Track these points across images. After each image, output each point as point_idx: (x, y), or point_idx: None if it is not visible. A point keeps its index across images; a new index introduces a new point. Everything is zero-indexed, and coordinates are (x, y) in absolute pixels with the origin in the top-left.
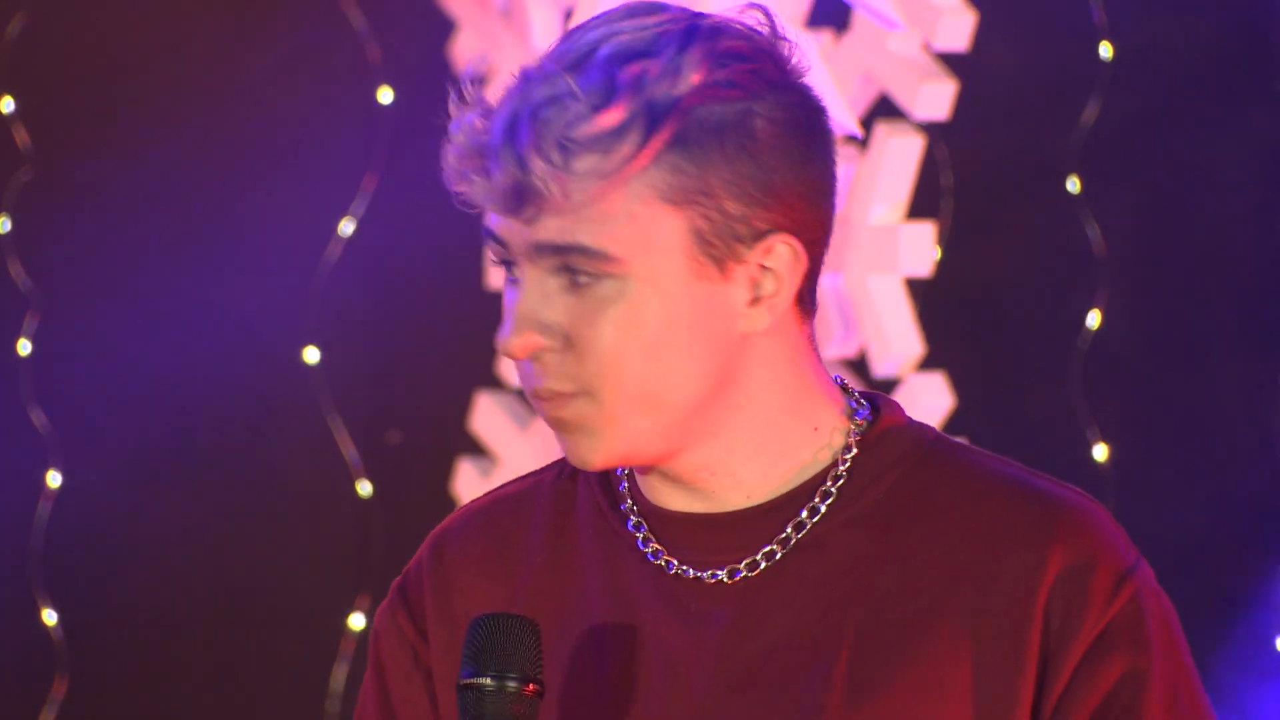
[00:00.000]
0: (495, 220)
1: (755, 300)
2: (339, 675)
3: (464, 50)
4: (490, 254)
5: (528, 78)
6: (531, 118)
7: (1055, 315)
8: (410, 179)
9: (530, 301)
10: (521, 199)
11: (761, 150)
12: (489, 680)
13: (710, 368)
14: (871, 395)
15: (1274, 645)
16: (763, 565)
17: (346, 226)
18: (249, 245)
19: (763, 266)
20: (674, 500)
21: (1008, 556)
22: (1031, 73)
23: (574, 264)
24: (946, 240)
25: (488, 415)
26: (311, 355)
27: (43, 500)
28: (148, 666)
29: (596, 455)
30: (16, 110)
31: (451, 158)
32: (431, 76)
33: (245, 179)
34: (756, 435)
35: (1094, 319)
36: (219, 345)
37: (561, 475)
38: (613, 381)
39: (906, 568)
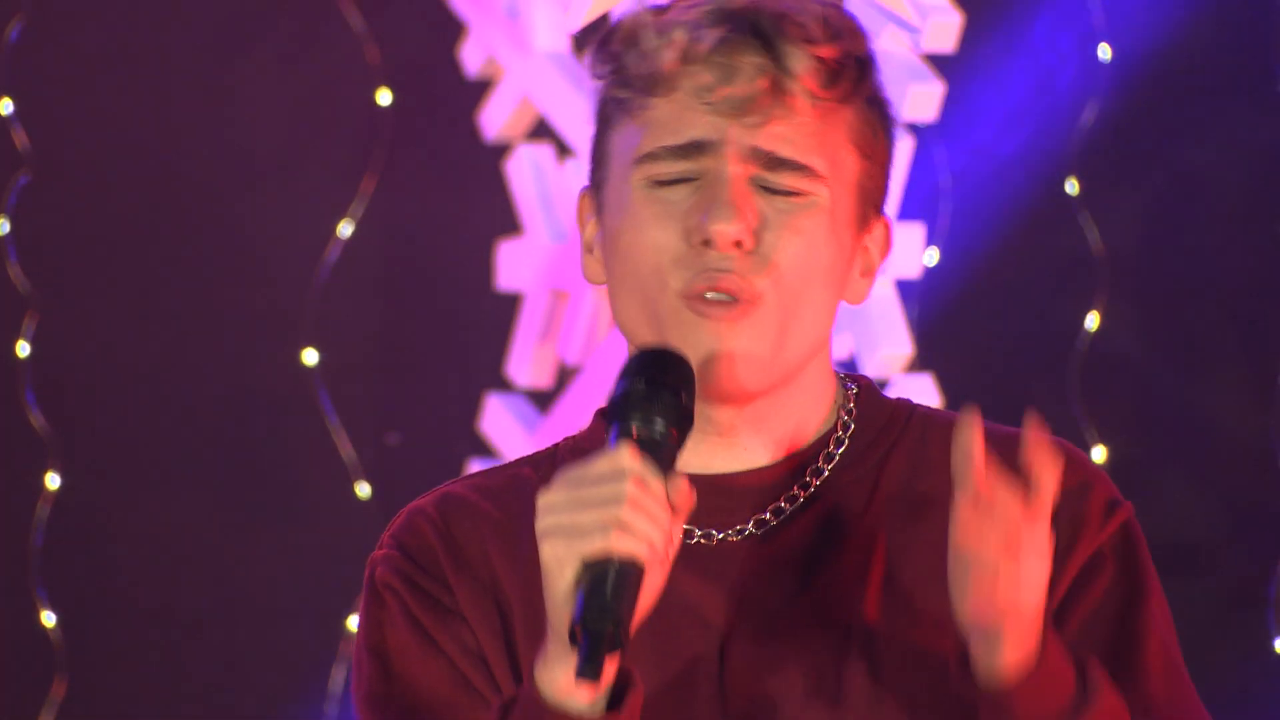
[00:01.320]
0: (703, 126)
1: (863, 272)
2: (338, 676)
3: (471, 52)
4: (656, 169)
5: None
6: (781, 22)
7: (1054, 316)
8: (409, 180)
9: (739, 194)
10: (768, 103)
11: (892, 135)
12: (645, 384)
13: (831, 314)
14: (851, 374)
15: (1273, 647)
16: (773, 522)
17: (345, 228)
18: (248, 247)
19: (867, 247)
20: (694, 463)
21: None
22: (1030, 75)
23: (780, 178)
24: (945, 242)
25: (496, 417)
26: (310, 357)
27: (42, 502)
28: (146, 667)
29: (755, 377)
30: (15, 113)
31: (666, 50)
32: (430, 79)
33: (244, 180)
34: (805, 397)
35: (1093, 320)
36: (218, 347)
37: (556, 462)
38: (789, 288)
39: (918, 517)
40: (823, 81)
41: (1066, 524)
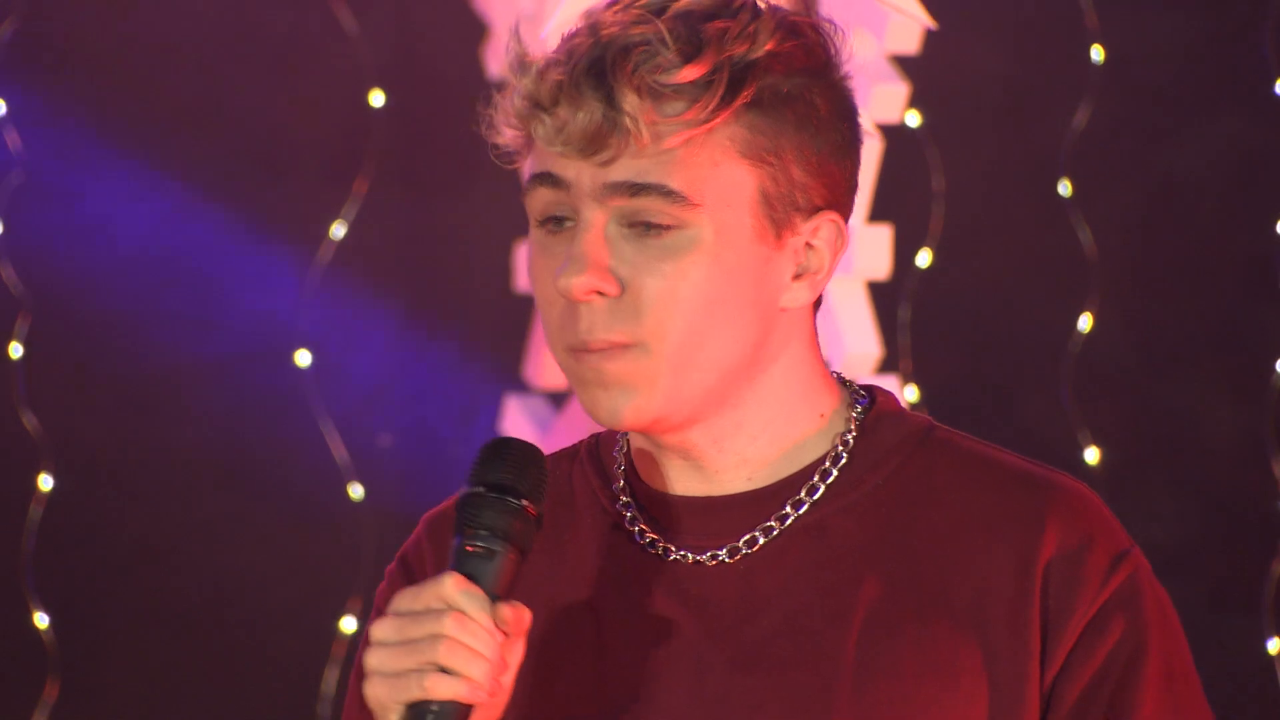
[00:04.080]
0: (557, 164)
1: (799, 275)
2: (330, 678)
3: (497, 53)
4: (536, 207)
5: (602, 24)
6: (622, 57)
7: (1046, 318)
8: (402, 181)
9: (593, 242)
10: (604, 138)
11: (821, 126)
12: (483, 489)
13: (751, 335)
14: (868, 386)
15: (1266, 649)
16: (761, 542)
17: (338, 230)
18: (241, 248)
19: (808, 244)
20: (675, 483)
21: (1005, 538)
22: (1023, 76)
23: (647, 208)
24: (938, 243)
25: (515, 418)
26: (303, 358)
27: (34, 503)
28: (139, 669)
29: (630, 413)
30: (8, 113)
31: (517, 98)
32: (423, 80)
33: (237, 181)
34: (767, 414)
35: (1085, 322)
36: (211, 348)
37: (575, 461)
38: (668, 333)
39: (907, 554)
40: (676, 108)
41: (1063, 587)
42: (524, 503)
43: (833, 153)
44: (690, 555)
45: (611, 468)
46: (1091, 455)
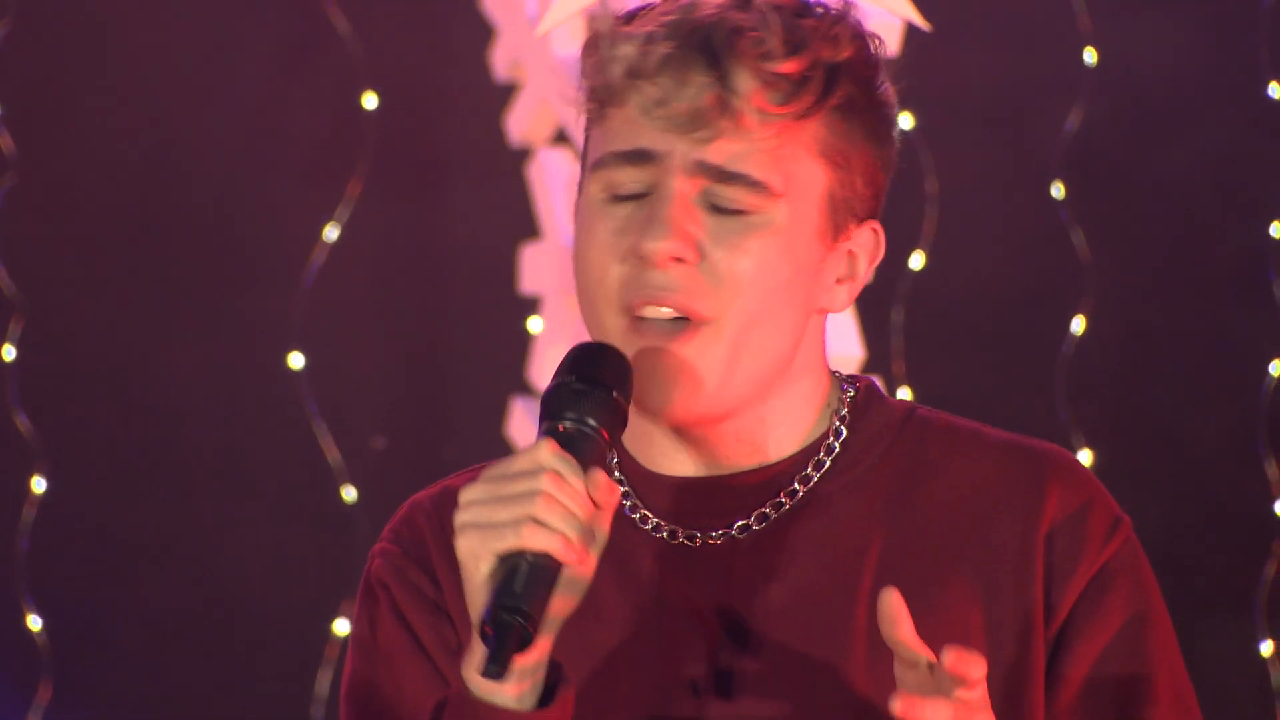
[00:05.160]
0: (650, 137)
1: (840, 280)
2: (324, 680)
3: (505, 55)
4: (611, 181)
5: (697, 5)
6: (735, 37)
7: (1039, 320)
8: (394, 184)
9: (680, 210)
10: (710, 116)
11: (883, 139)
12: (573, 379)
13: (798, 329)
14: (852, 375)
15: (1259, 651)
16: (765, 521)
17: (331, 232)
18: (234, 250)
19: (851, 251)
20: (679, 465)
21: (1007, 503)
22: (1016, 79)
23: (732, 192)
24: (931, 246)
25: (521, 420)
26: (296, 360)
27: (27, 506)
28: (132, 671)
29: (680, 405)
30: (1, 116)
31: (614, 66)
32: (416, 82)
33: (230, 184)
34: (788, 408)
35: (1078, 324)
36: (204, 350)
37: None
38: (741, 309)
39: (910, 525)
40: (777, 98)
41: (1067, 546)
42: (614, 393)
43: (885, 165)
44: (699, 537)
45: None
46: (1085, 457)
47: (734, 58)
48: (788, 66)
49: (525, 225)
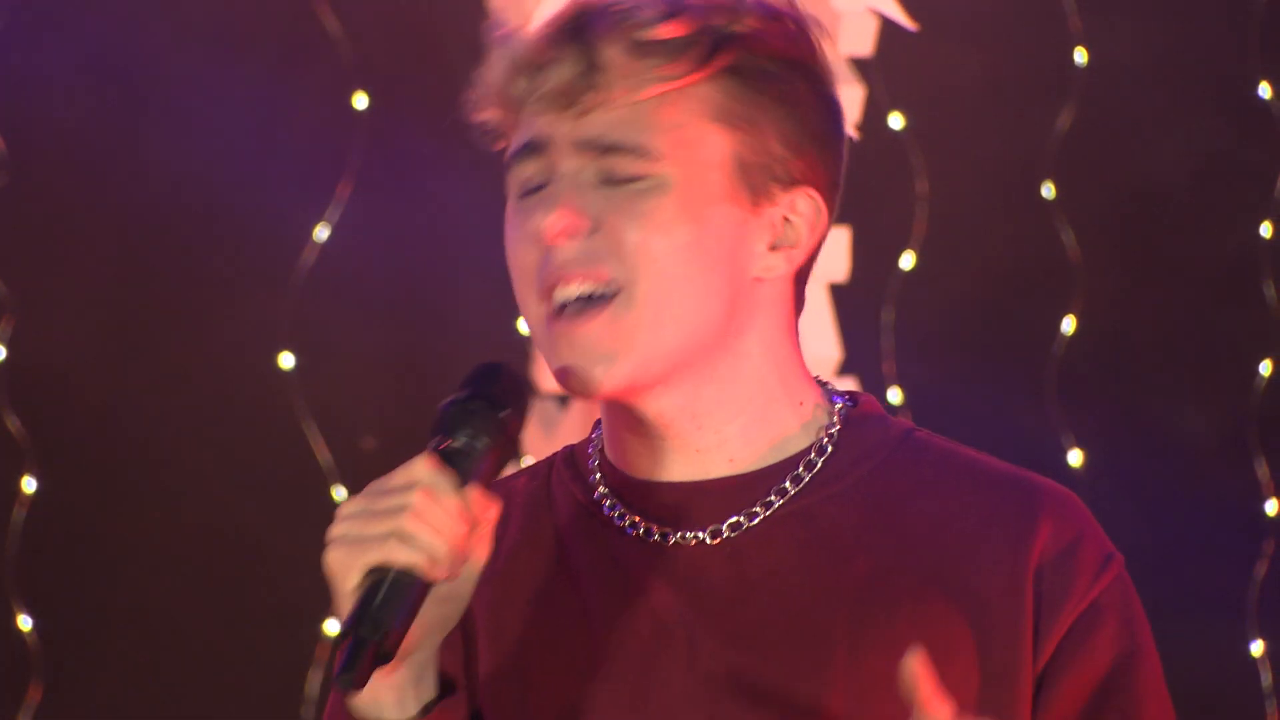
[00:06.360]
0: (535, 126)
1: (775, 247)
2: (314, 681)
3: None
4: (518, 181)
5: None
6: (602, 15)
7: (1030, 320)
8: (385, 184)
9: (567, 187)
10: (580, 92)
11: (802, 109)
12: (464, 396)
13: (725, 296)
14: (851, 391)
15: (1248, 651)
16: (745, 526)
17: (321, 232)
18: (224, 251)
19: (786, 219)
20: (655, 468)
21: (998, 532)
22: (1006, 78)
23: (617, 163)
24: (921, 245)
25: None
26: (286, 361)
27: (18, 506)
28: (123, 673)
29: (603, 377)
30: None
31: (499, 64)
32: (406, 81)
33: (220, 184)
34: (744, 391)
35: (1069, 325)
36: (194, 351)
37: (534, 477)
38: (645, 274)
39: (895, 542)
40: (648, 65)
41: (1056, 580)
42: (504, 411)
43: (814, 138)
44: (671, 536)
45: (586, 464)
46: (1075, 457)
47: (601, 32)
48: (660, 32)
49: None
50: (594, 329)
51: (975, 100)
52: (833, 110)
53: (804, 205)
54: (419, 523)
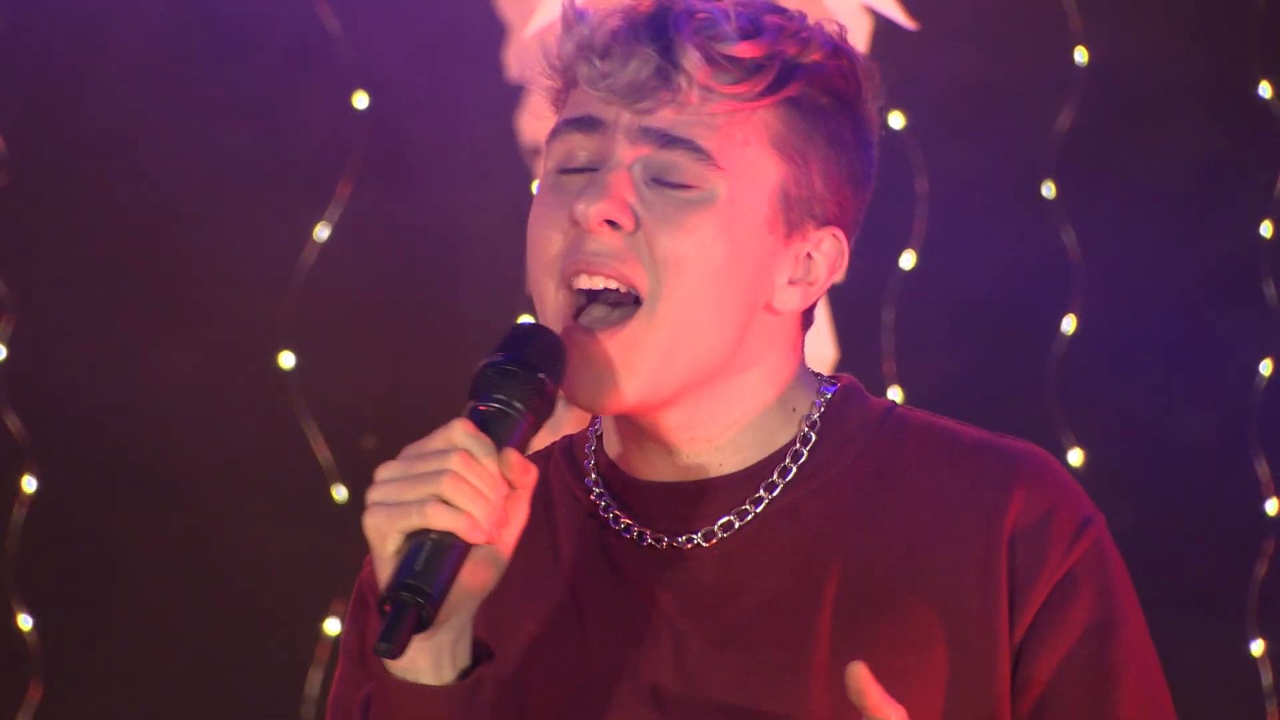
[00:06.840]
0: (596, 106)
1: (794, 281)
2: (314, 680)
3: (519, 54)
4: (561, 151)
5: None
6: (685, 19)
7: (1030, 320)
8: (385, 184)
9: (619, 176)
10: (652, 88)
11: (846, 150)
12: (501, 359)
13: (740, 324)
14: (835, 375)
15: (1248, 649)
16: (737, 526)
17: (322, 231)
18: (224, 250)
19: (810, 255)
20: (647, 468)
21: (973, 506)
22: (1007, 78)
23: (674, 161)
24: (922, 245)
25: None
26: (287, 360)
27: (18, 505)
28: (123, 671)
29: (616, 398)
30: None
31: (568, 43)
32: (406, 82)
33: (221, 184)
34: (741, 409)
35: (1069, 324)
36: (194, 350)
37: (550, 461)
38: (668, 290)
39: (877, 529)
40: (724, 79)
41: (1030, 551)
42: (540, 374)
43: (851, 178)
44: (666, 540)
45: (584, 462)
46: (1075, 457)
47: (682, 36)
48: (739, 50)
49: (516, 225)
50: (608, 349)
51: (975, 100)
52: (870, 155)
53: (829, 245)
54: (458, 486)
